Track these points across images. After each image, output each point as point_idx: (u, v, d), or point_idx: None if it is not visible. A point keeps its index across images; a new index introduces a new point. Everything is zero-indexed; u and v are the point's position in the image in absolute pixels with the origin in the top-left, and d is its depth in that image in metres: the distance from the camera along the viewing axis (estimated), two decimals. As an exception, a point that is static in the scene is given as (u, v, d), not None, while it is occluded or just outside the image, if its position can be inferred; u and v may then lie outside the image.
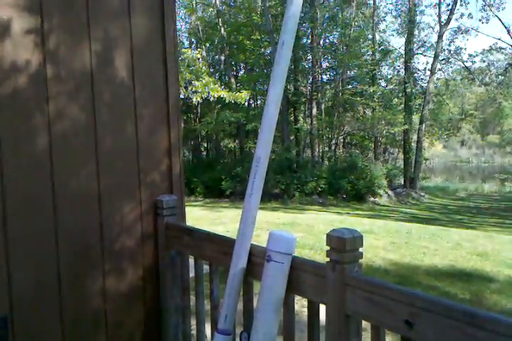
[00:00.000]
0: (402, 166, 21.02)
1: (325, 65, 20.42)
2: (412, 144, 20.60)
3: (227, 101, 11.77)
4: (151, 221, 2.34)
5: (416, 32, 21.01)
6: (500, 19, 20.58)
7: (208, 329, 2.14)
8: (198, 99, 11.39)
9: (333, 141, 19.25)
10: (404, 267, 5.05)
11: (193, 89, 10.96)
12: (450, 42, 21.33)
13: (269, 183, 16.33)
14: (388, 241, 6.45)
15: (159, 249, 2.32)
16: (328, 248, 1.50)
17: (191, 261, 2.21)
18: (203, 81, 10.87)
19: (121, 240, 2.26)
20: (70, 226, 2.07)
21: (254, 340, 1.63)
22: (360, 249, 1.49)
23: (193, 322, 2.22)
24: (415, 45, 21.00)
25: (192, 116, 21.86)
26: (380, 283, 1.41)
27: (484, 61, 22.27)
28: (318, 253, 5.37)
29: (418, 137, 20.30)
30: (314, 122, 18.84)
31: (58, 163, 2.03)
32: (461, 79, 24.34)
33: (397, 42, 44.32)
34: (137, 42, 2.27)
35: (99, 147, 2.16)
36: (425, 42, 21.70)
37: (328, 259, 1.50)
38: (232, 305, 1.78)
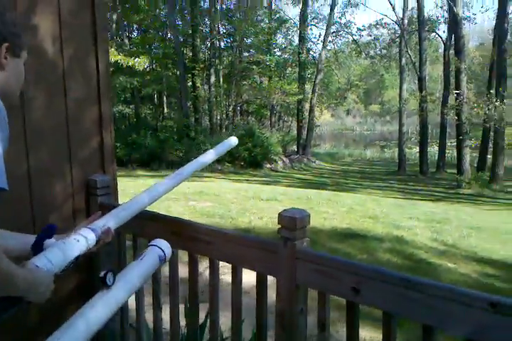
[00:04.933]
0: (296, 134, 22.00)
1: (222, 31, 20.21)
2: (305, 113, 21.54)
3: (123, 66, 11.22)
4: (82, 200, 2.28)
5: (309, 3, 21.58)
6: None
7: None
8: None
9: (231, 109, 19.42)
10: (310, 231, 5.45)
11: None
12: (341, 15, 22.29)
13: (166, 151, 16.16)
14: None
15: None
16: (279, 226, 1.64)
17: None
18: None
19: (52, 220, 2.18)
20: None
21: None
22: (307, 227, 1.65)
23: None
24: (309, 16, 21.61)
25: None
26: (328, 256, 1.59)
27: (370, 35, 23.71)
28: (229, 221, 5.55)
29: (310, 106, 21.23)
30: (212, 89, 18.77)
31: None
32: (349, 52, 25.73)
33: (292, 14, 45.36)
34: (64, 11, 2.12)
35: (27, 124, 2.03)
36: (318, 13, 22.43)
37: (279, 236, 1.64)
38: None
